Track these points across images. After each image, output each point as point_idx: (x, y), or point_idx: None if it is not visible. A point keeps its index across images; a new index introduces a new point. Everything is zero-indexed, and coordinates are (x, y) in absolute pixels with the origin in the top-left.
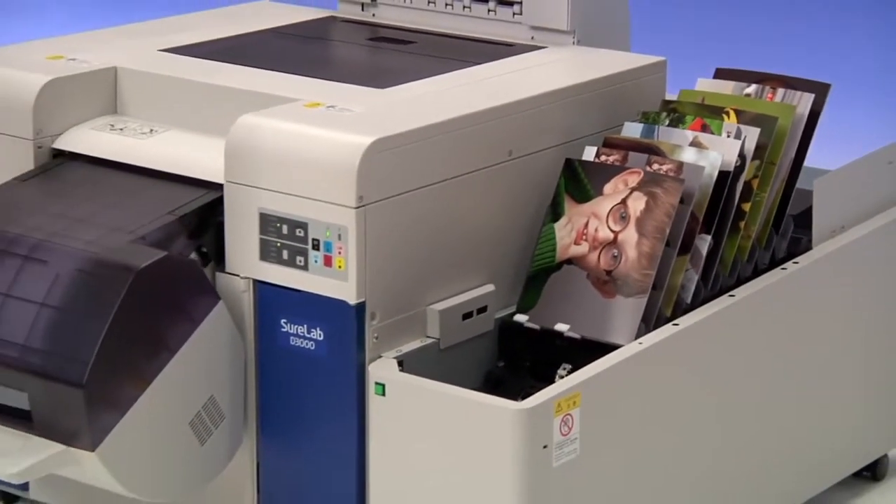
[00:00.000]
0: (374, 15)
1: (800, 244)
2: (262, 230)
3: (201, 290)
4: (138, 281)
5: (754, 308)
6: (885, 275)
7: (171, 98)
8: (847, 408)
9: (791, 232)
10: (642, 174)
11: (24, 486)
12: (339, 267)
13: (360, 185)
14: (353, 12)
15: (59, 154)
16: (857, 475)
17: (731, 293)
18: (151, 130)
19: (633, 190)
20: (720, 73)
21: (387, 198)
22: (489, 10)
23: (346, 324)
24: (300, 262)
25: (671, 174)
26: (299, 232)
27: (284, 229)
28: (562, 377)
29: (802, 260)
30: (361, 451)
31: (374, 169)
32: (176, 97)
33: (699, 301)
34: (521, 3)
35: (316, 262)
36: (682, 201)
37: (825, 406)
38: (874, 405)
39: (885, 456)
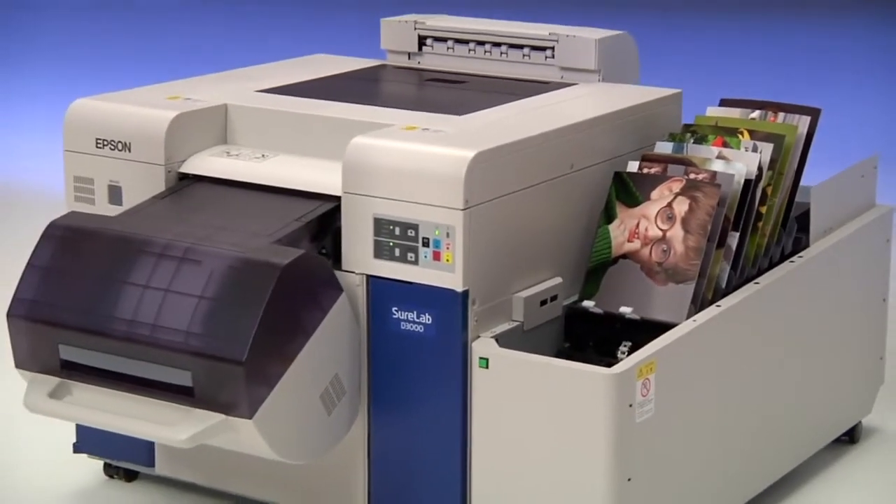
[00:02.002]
0: (419, 63)
1: (800, 242)
2: (376, 232)
3: (329, 283)
4: (284, 275)
5: (774, 293)
6: (864, 267)
7: (277, 128)
8: (835, 380)
9: (794, 231)
10: (684, 181)
11: (149, 463)
12: (447, 260)
13: (466, 190)
14: (401, 61)
15: (184, 177)
16: (837, 440)
17: (755, 281)
18: (263, 155)
19: (676, 195)
20: (725, 102)
21: (485, 202)
22: (524, 55)
23: (453, 309)
24: (411, 258)
25: (707, 181)
26: (410, 232)
27: (397, 231)
28: (623, 353)
29: (805, 254)
30: (464, 418)
31: (476, 177)
32: (281, 127)
33: (731, 287)
34: (552, 48)
35: (426, 257)
36: (718, 203)
37: (819, 378)
38: (852, 378)
39: (860, 422)
